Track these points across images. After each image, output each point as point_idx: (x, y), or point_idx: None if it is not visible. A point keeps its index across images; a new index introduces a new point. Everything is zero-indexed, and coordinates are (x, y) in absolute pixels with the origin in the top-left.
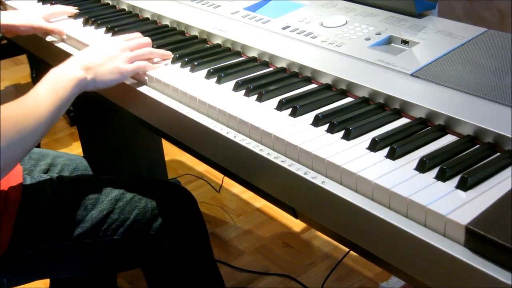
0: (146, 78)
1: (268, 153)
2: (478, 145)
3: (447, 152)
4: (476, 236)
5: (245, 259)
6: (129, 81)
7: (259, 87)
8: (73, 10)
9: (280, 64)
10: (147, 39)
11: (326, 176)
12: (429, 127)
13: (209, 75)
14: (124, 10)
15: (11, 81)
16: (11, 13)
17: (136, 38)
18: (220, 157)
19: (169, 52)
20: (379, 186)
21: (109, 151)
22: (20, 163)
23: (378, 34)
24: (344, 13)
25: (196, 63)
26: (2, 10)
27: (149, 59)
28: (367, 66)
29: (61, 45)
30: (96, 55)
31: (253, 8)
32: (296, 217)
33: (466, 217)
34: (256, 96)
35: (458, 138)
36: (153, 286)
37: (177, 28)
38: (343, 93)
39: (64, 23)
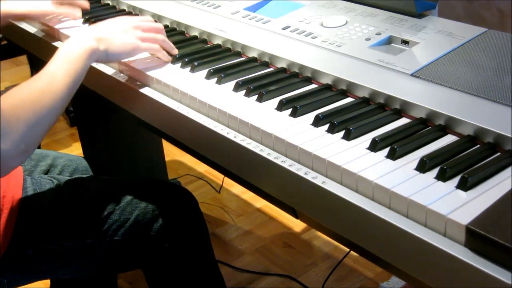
0: (147, 78)
1: (269, 154)
2: (478, 145)
3: (448, 152)
4: (476, 236)
5: (245, 259)
6: (129, 82)
7: (260, 87)
8: (86, 5)
9: (280, 64)
10: (160, 25)
11: (327, 176)
12: (430, 127)
13: (209, 76)
14: (124, 10)
15: (11, 82)
16: (18, 1)
17: (149, 22)
18: (221, 158)
19: (177, 49)
20: (379, 186)
21: (109, 151)
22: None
23: (378, 34)
24: (344, 13)
25: (196, 64)
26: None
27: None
28: (367, 66)
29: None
30: (108, 27)
31: (253, 8)
32: (297, 217)
33: (467, 217)
34: (256, 96)
35: (459, 138)
36: (154, 286)
37: (177, 29)
38: (343, 93)
39: (64, 24)
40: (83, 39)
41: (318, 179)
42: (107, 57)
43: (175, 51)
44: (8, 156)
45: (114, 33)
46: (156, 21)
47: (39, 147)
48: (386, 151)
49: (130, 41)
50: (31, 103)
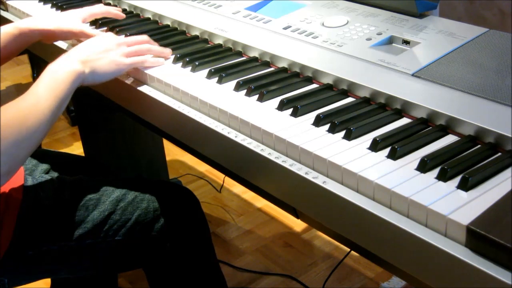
0: (147, 78)
1: (269, 153)
2: (479, 145)
3: (448, 152)
4: (477, 236)
5: (246, 259)
6: (130, 81)
7: (260, 87)
8: (116, 11)
9: (281, 64)
10: (145, 36)
11: (327, 176)
12: (430, 127)
13: (210, 75)
14: (125, 10)
15: (12, 81)
16: (47, 17)
17: (132, 36)
18: (221, 157)
19: (169, 50)
20: (380, 186)
21: (110, 151)
22: None
23: (379, 34)
24: (345, 13)
25: (197, 63)
26: (3, 10)
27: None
28: (368, 66)
29: (62, 45)
30: (93, 49)
31: (254, 8)
32: (297, 217)
33: (467, 217)
34: (257, 96)
35: (459, 138)
36: (155, 286)
37: (178, 28)
38: (344, 93)
39: None
40: (69, 62)
41: (319, 179)
42: (93, 79)
43: (166, 52)
44: None
45: (99, 53)
46: (158, 21)
47: (40, 146)
48: (387, 151)
49: (115, 60)
50: (15, 125)
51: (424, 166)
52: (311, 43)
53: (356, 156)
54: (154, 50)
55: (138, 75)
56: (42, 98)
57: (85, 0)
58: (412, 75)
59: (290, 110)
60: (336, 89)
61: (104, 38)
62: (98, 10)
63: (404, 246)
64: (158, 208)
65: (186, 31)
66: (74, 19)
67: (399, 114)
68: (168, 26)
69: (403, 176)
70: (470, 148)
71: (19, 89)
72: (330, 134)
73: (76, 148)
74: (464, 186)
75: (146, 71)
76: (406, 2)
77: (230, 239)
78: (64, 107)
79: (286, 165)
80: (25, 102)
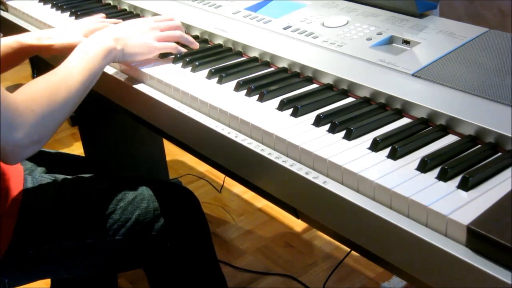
0: (147, 78)
1: (270, 153)
2: (479, 145)
3: (449, 152)
4: (477, 236)
5: (246, 259)
6: (130, 81)
7: (261, 87)
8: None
9: (282, 64)
10: (178, 23)
11: (328, 176)
12: (431, 127)
13: (210, 75)
14: (125, 10)
15: (12, 81)
16: (48, 32)
17: (167, 20)
18: (221, 157)
19: (197, 43)
20: (380, 186)
21: (110, 151)
22: (21, 163)
23: (380, 34)
24: (345, 13)
25: (197, 63)
26: (3, 10)
27: (177, 43)
28: (368, 66)
29: None
30: (126, 28)
31: (255, 8)
32: (298, 217)
33: (468, 217)
34: (257, 96)
35: (460, 138)
36: (155, 286)
37: None
38: (345, 93)
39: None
40: (102, 38)
41: (319, 179)
42: (123, 57)
43: (195, 45)
44: (21, 145)
45: (132, 33)
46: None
47: None
48: (387, 151)
49: (146, 42)
50: (46, 96)
51: (424, 166)
52: (311, 43)
53: (356, 156)
54: (186, 39)
55: (138, 75)
56: (73, 72)
57: (85, 0)
58: (412, 75)
59: (290, 110)
60: (336, 89)
61: (139, 21)
62: (100, 26)
63: (404, 246)
64: (158, 208)
65: (186, 31)
66: (75, 34)
67: (399, 114)
68: None
69: (403, 176)
70: (470, 148)
71: None
72: (330, 134)
73: (76, 148)
74: (465, 186)
75: (146, 72)
76: (406, 2)
77: (230, 239)
78: (95, 81)
79: (286, 165)
80: (57, 74)
